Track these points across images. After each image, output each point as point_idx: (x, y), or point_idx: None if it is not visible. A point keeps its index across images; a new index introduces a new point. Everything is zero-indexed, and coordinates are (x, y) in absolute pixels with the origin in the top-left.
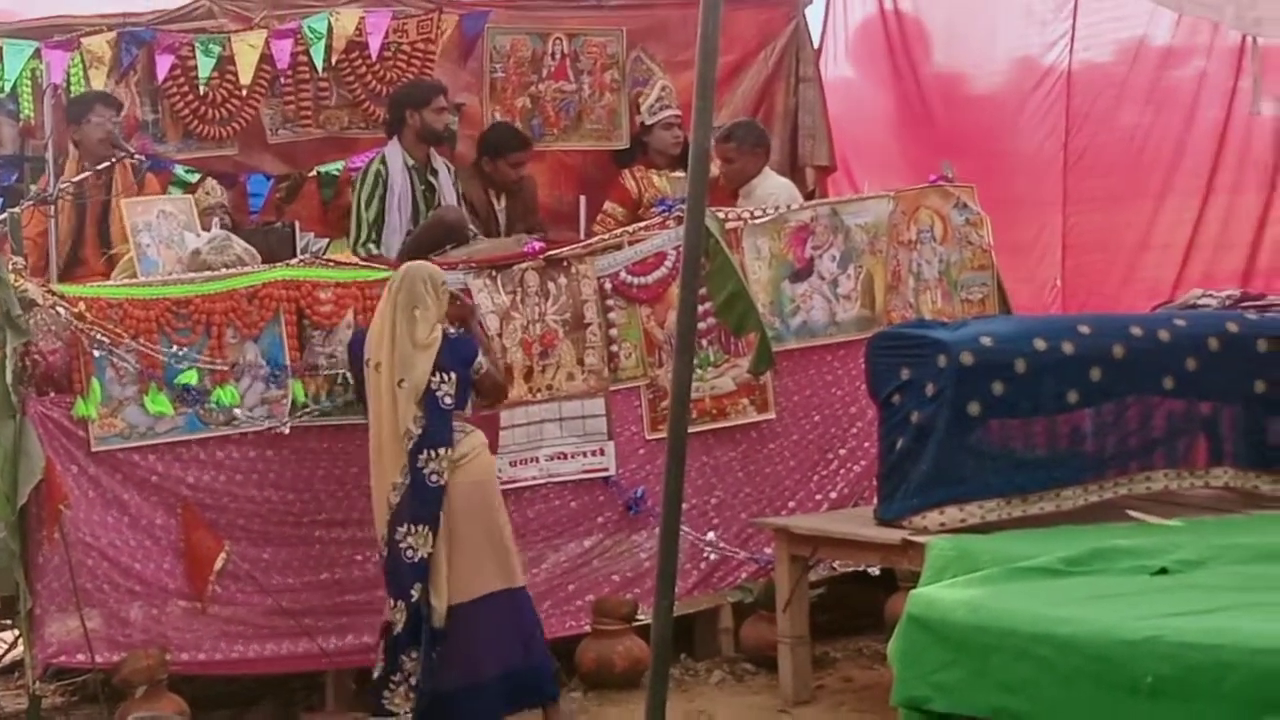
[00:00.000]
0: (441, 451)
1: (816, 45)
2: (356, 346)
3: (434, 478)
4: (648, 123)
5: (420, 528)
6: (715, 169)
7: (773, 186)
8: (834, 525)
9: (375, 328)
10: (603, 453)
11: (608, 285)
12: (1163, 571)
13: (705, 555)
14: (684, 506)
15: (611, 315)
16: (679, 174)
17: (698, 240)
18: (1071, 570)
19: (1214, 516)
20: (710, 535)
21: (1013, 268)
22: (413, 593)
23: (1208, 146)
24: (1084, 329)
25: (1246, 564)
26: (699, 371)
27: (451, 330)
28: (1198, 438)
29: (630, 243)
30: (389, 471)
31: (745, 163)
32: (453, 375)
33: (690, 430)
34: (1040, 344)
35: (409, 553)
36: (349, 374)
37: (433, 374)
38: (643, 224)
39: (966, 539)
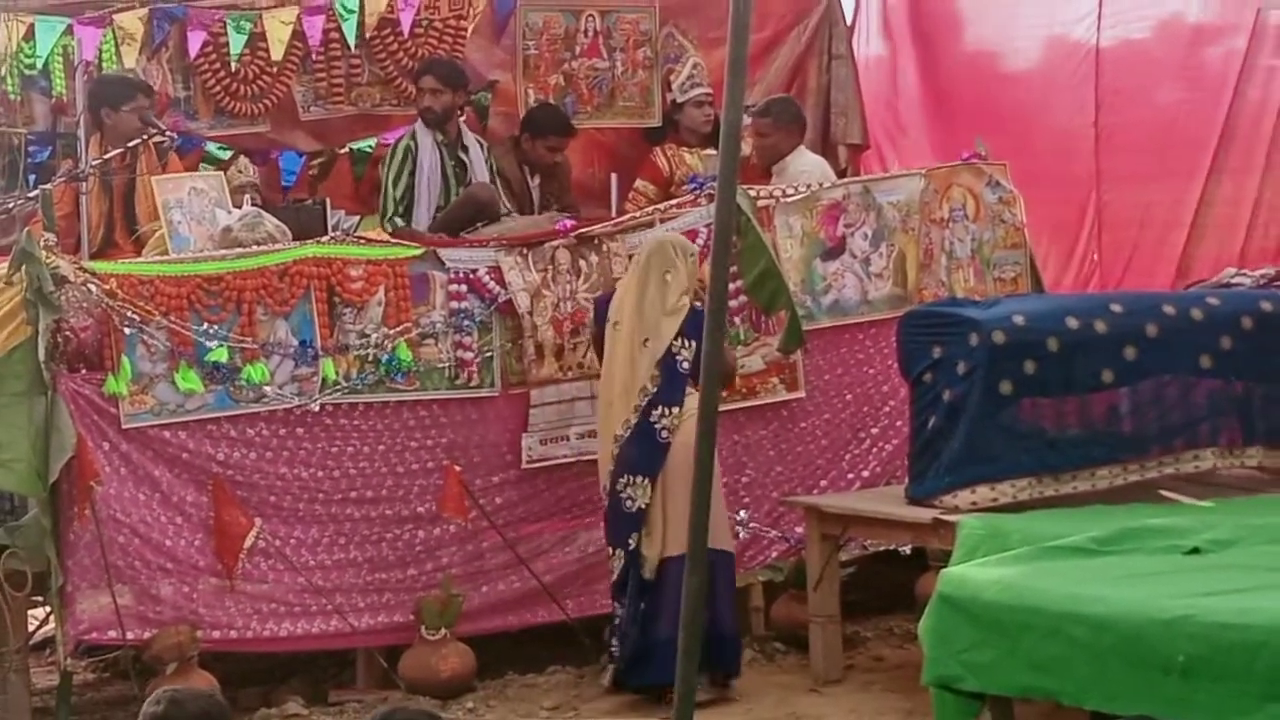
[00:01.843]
0: (675, 410)
1: (849, 22)
2: (602, 306)
3: (664, 433)
4: (679, 100)
5: (641, 479)
6: (747, 147)
7: (806, 164)
8: (865, 504)
9: (622, 290)
10: None
11: None
12: (1195, 551)
13: (736, 534)
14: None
15: None
16: (710, 152)
17: (729, 218)
18: (1103, 550)
19: (1246, 496)
20: (741, 514)
21: (1045, 246)
22: (630, 541)
23: (1242, 125)
24: (1116, 308)
25: (1278, 544)
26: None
27: (698, 304)
28: (1231, 417)
29: (661, 220)
30: (615, 424)
31: (780, 139)
32: (692, 343)
33: (721, 409)
34: (1073, 322)
35: (628, 503)
36: (591, 331)
37: (675, 338)
38: (674, 201)
39: (997, 518)
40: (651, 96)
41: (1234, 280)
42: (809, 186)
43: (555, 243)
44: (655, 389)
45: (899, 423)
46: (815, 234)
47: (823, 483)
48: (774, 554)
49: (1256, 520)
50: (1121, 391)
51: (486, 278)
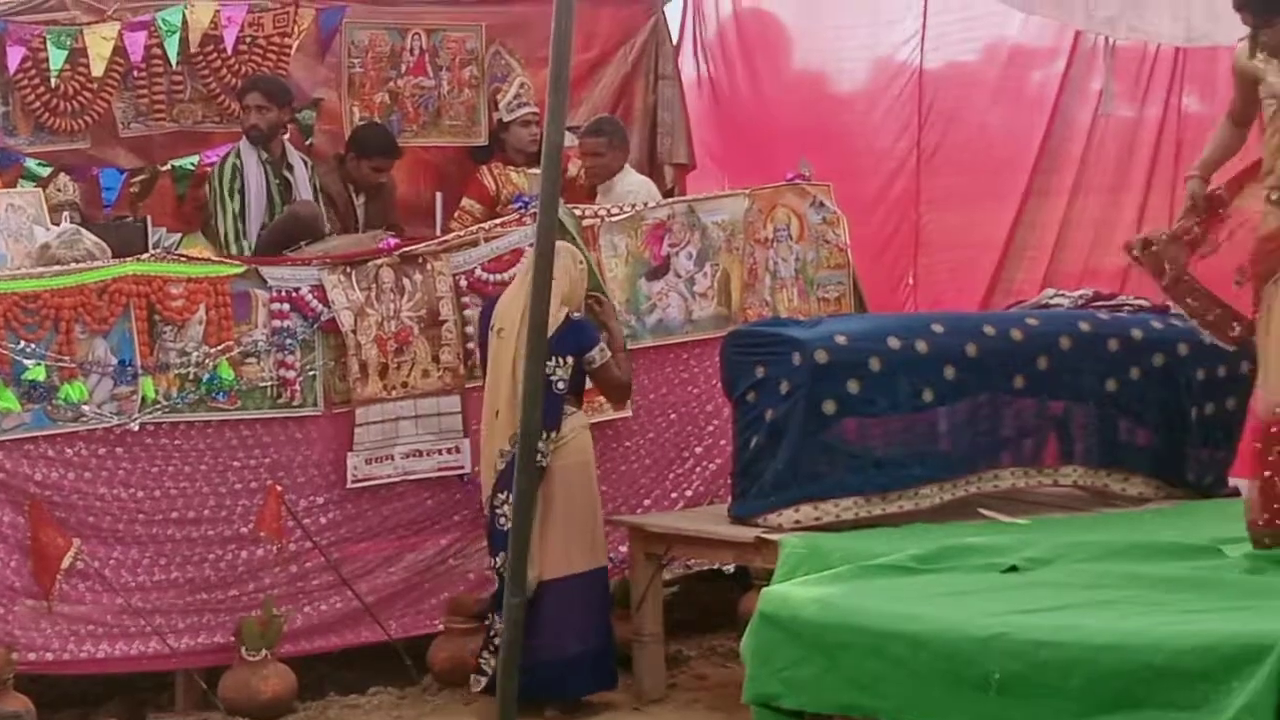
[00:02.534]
0: (550, 435)
1: (676, 43)
2: (487, 311)
3: (540, 458)
4: (506, 119)
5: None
6: (573, 167)
7: (632, 184)
8: (688, 523)
9: (508, 297)
10: (458, 450)
11: (463, 282)
12: (1012, 569)
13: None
14: None
15: (467, 312)
16: (537, 171)
17: (550, 238)
18: (922, 568)
19: (1063, 515)
20: None
21: (869, 266)
22: (497, 560)
23: (1061, 147)
24: (937, 328)
25: (1094, 562)
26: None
27: (577, 314)
28: (1049, 436)
29: (486, 239)
30: (499, 438)
31: (613, 158)
32: (569, 360)
33: None
34: (894, 342)
35: (501, 519)
36: (477, 338)
37: (549, 356)
38: (499, 220)
39: (819, 537)
40: (478, 115)
41: (1053, 301)
42: (634, 206)
43: (379, 261)
44: None
45: (723, 442)
46: (640, 253)
47: (646, 502)
48: None
49: (1073, 539)
50: (941, 411)
51: (309, 296)
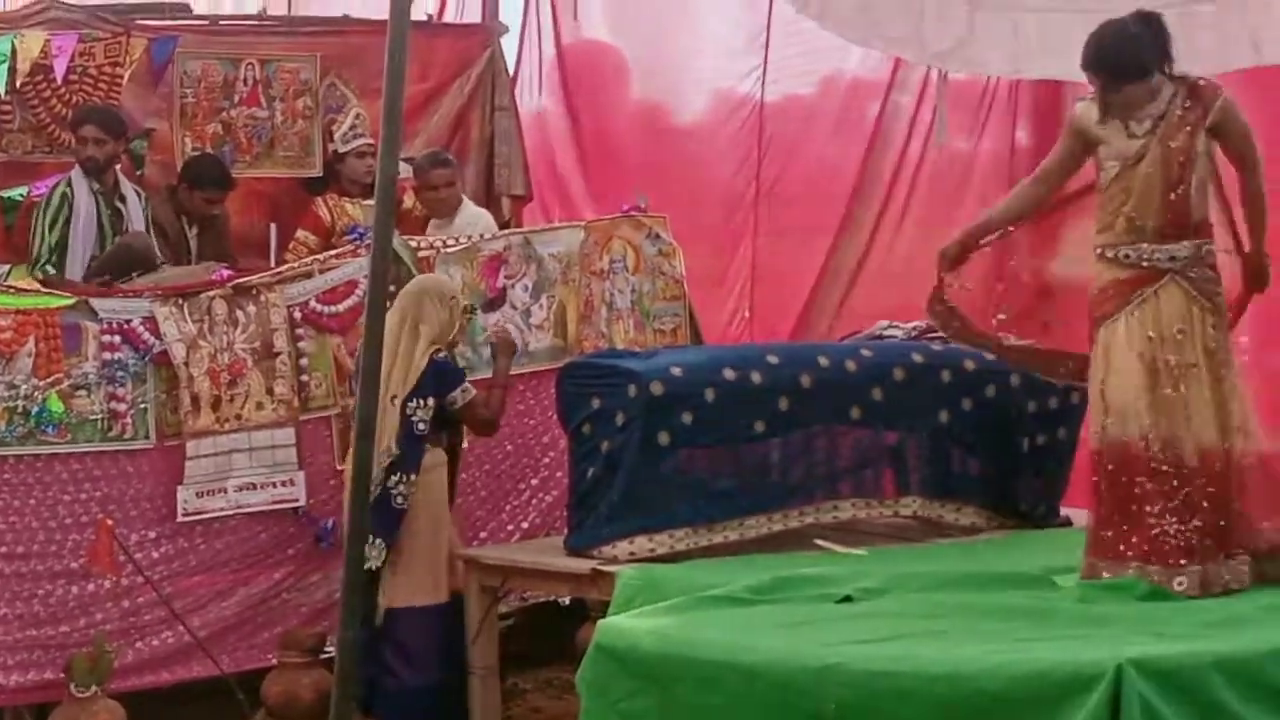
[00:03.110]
0: (412, 477)
1: (513, 74)
2: None
3: (399, 500)
4: (341, 150)
5: (379, 543)
6: (409, 199)
7: (470, 216)
8: (523, 555)
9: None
10: (293, 483)
11: (297, 314)
12: (847, 599)
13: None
14: None
15: (301, 344)
16: (372, 202)
17: (384, 270)
18: (758, 599)
19: (898, 545)
20: None
21: (706, 298)
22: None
23: (897, 179)
24: (773, 359)
25: (929, 592)
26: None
27: (441, 354)
28: (884, 467)
29: (321, 271)
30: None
31: (457, 190)
32: (431, 401)
33: None
34: (730, 374)
35: (364, 562)
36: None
37: (410, 397)
38: (334, 252)
39: (655, 568)
40: (312, 146)
41: (886, 332)
42: (469, 238)
43: (212, 293)
44: (398, 452)
45: (559, 474)
46: (476, 285)
47: (482, 534)
48: None
49: (908, 569)
50: (774, 442)
51: (141, 328)
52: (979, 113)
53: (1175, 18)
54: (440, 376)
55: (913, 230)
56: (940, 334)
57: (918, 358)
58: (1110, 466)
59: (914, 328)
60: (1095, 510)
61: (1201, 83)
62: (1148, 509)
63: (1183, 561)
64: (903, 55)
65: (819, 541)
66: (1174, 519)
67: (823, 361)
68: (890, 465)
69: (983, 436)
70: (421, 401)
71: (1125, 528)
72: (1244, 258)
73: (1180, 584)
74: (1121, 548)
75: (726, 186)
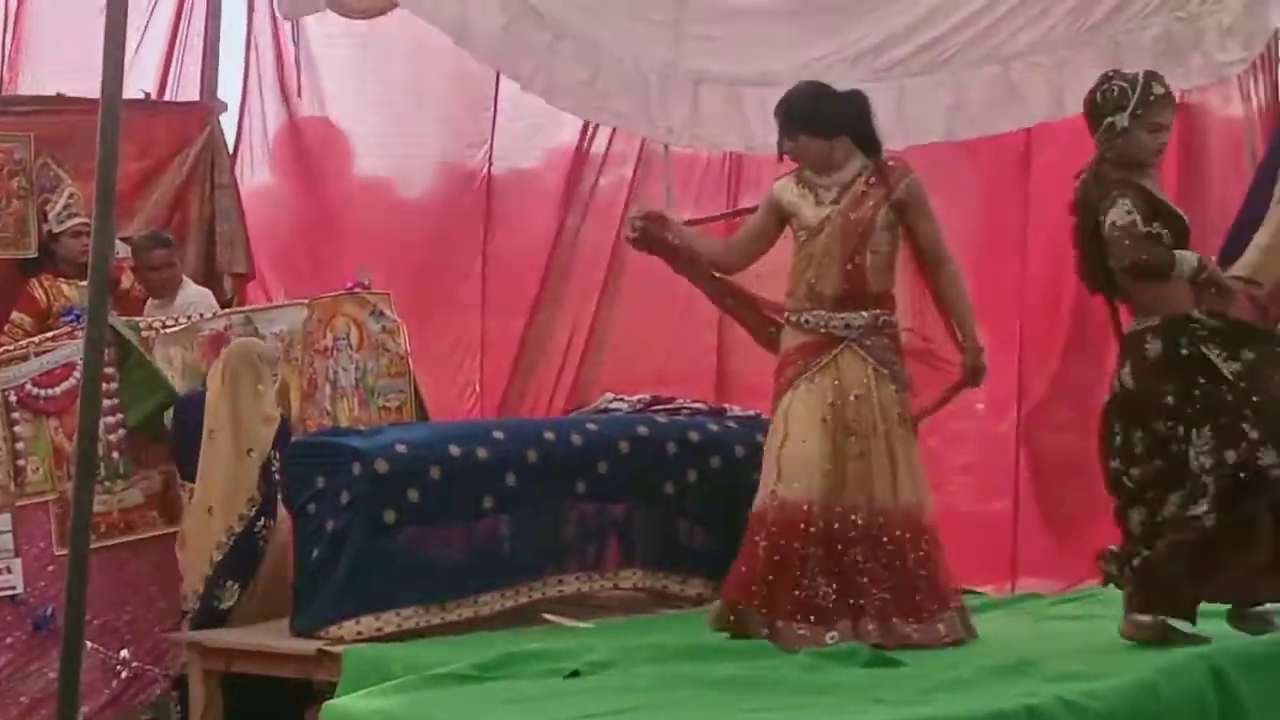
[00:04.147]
0: (273, 522)
1: (233, 151)
2: (189, 407)
3: (262, 543)
4: (55, 230)
5: (234, 584)
6: (126, 279)
7: (191, 295)
8: (249, 637)
9: (212, 398)
10: (10, 570)
11: (13, 397)
12: (575, 674)
13: (118, 673)
14: (95, 623)
15: (17, 429)
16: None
17: (98, 353)
18: (485, 676)
19: (625, 617)
20: (124, 653)
21: (436, 373)
22: None
23: (627, 252)
24: (498, 434)
25: (654, 664)
26: (107, 484)
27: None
28: (610, 540)
29: (37, 354)
30: (217, 531)
31: (179, 270)
32: (279, 454)
33: (100, 545)
34: (455, 450)
35: (216, 603)
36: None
37: (272, 449)
38: (50, 334)
39: (381, 648)
40: (27, 226)
41: (612, 405)
42: (189, 317)
43: None
44: (261, 499)
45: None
46: (196, 366)
47: None
48: (157, 691)
49: (635, 641)
50: (502, 518)
51: None
52: (700, 185)
53: (895, 89)
54: (284, 428)
55: (638, 303)
56: (665, 407)
57: (643, 430)
58: (774, 528)
59: (639, 400)
60: (751, 567)
61: (891, 162)
62: (803, 571)
63: (837, 621)
64: (629, 129)
65: (547, 615)
66: (834, 582)
67: (548, 436)
68: (617, 538)
69: (709, 507)
70: (275, 454)
71: (779, 587)
72: (962, 352)
73: (832, 638)
74: (776, 606)
75: (454, 260)
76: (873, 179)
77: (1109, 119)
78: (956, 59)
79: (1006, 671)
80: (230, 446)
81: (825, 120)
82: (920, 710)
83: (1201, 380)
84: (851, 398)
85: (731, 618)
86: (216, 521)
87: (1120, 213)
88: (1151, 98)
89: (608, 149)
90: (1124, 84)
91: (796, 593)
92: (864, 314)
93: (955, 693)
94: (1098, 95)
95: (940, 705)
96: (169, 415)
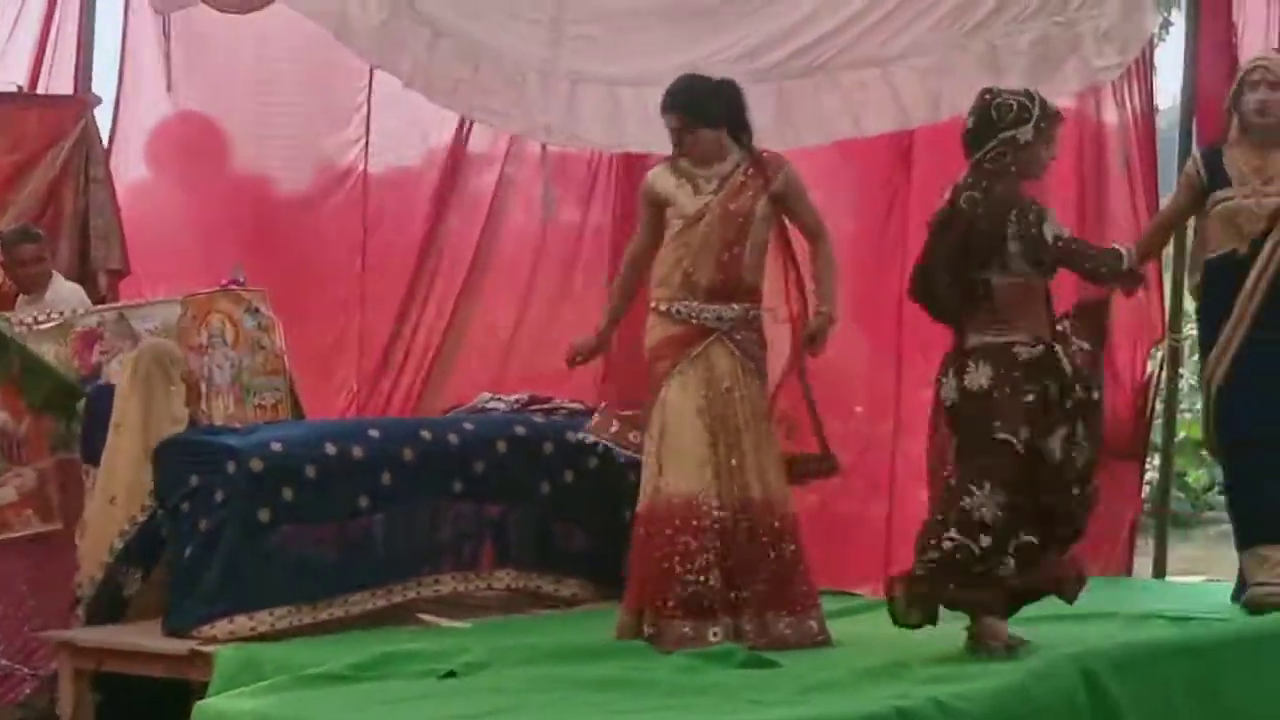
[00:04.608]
0: None
1: (108, 145)
2: (99, 397)
3: (165, 533)
4: None
5: (136, 572)
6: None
7: (62, 291)
8: (121, 637)
9: (121, 396)
10: None
11: None
12: (450, 675)
13: None
14: None
15: None
16: None
17: None
18: (359, 676)
19: (501, 617)
20: None
21: (314, 371)
22: None
23: (504, 251)
24: (374, 433)
25: (529, 665)
26: None
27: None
28: (485, 540)
29: None
30: (120, 519)
31: (45, 265)
32: None
33: None
34: (331, 448)
35: (118, 590)
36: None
37: None
38: None
39: (254, 648)
40: None
41: (489, 405)
42: (61, 313)
43: None
44: None
45: None
46: (69, 362)
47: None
48: (26, 690)
49: (510, 641)
50: (377, 517)
51: None
52: (586, 185)
53: (774, 91)
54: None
55: (516, 302)
56: (543, 406)
57: (520, 430)
58: (658, 524)
59: (517, 399)
60: (637, 566)
61: (766, 154)
62: (688, 566)
63: (721, 616)
64: (506, 128)
65: (423, 615)
66: (716, 575)
67: (425, 435)
68: (492, 538)
69: (585, 508)
70: None
71: (665, 584)
72: (805, 319)
73: (715, 635)
74: (661, 603)
75: (332, 259)
76: (750, 170)
77: (1010, 133)
78: (835, 61)
79: (879, 673)
80: (137, 443)
81: (715, 111)
82: (793, 711)
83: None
84: (722, 390)
85: (636, 625)
86: (119, 510)
87: (1056, 225)
88: (1051, 112)
89: (489, 148)
90: (1022, 99)
91: (680, 589)
92: (735, 307)
93: (829, 694)
94: (992, 110)
95: (814, 706)
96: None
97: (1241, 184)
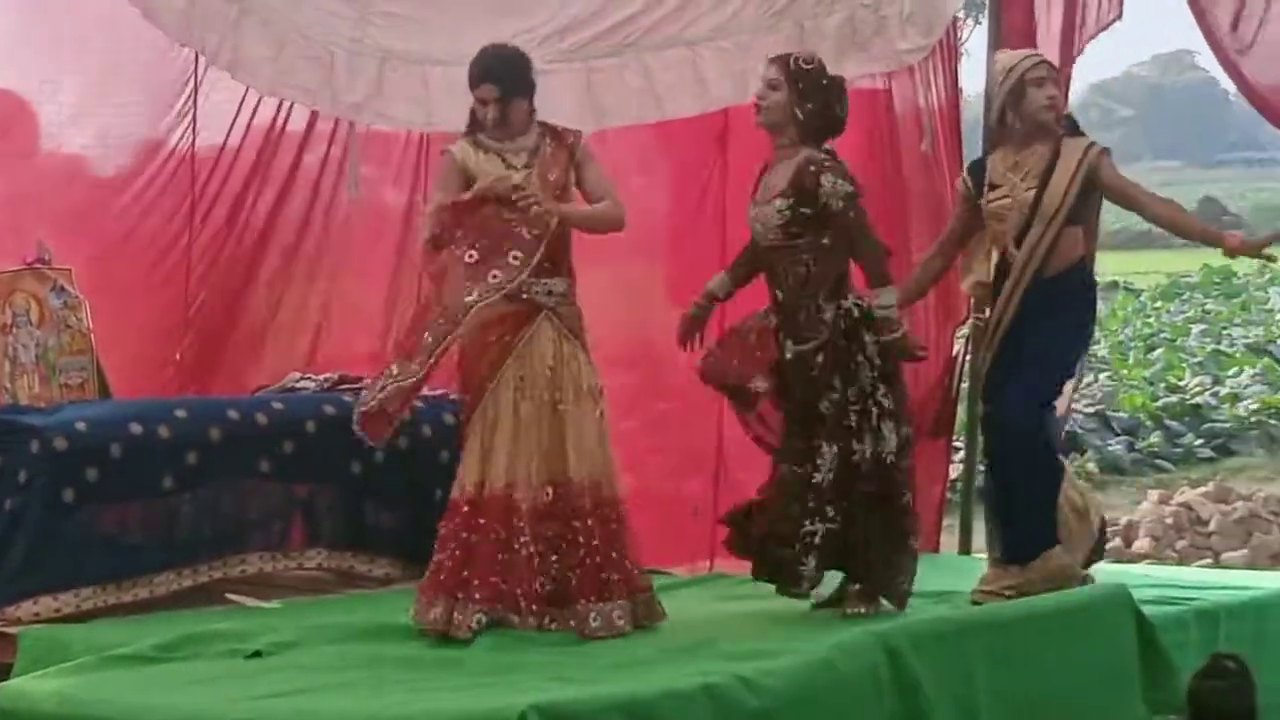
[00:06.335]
0: None
1: None
2: None
3: None
4: None
5: None
6: None
7: None
8: None
9: None
10: None
11: None
12: (257, 654)
13: None
14: None
15: None
16: None
17: None
18: (165, 657)
19: (310, 598)
20: None
21: (132, 350)
22: None
23: (321, 230)
24: (181, 413)
25: (338, 644)
26: None
27: None
28: (294, 520)
29: None
30: None
31: None
32: None
33: None
34: (136, 428)
35: None
36: None
37: None
38: None
39: (59, 629)
40: None
41: (298, 385)
42: None
43: None
44: None
45: None
46: None
47: None
48: None
49: (318, 621)
50: (184, 497)
51: None
52: (393, 164)
53: (582, 71)
54: None
55: (325, 282)
56: (353, 386)
57: (330, 409)
58: (467, 509)
59: (326, 379)
60: (445, 553)
61: (560, 128)
62: (502, 554)
63: (534, 606)
64: (313, 106)
65: (230, 595)
66: (529, 563)
67: (232, 414)
68: (302, 517)
69: (396, 488)
70: None
71: (476, 571)
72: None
73: (530, 624)
74: (470, 591)
75: (155, 237)
76: (552, 143)
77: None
78: (642, 42)
79: (686, 650)
80: None
81: (529, 82)
82: (599, 689)
83: None
84: (547, 370)
85: (435, 613)
86: None
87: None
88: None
89: (309, 127)
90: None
91: (493, 579)
92: (560, 280)
93: (636, 671)
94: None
95: (620, 684)
96: None
97: (1003, 185)
